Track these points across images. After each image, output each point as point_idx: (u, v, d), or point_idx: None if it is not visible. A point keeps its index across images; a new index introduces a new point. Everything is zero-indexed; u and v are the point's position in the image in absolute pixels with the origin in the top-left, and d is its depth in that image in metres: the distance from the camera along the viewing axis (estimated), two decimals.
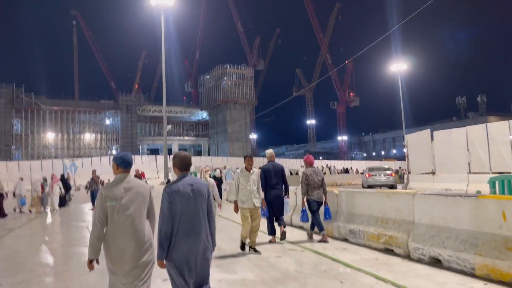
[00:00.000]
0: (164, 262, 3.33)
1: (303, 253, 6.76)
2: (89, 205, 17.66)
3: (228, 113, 75.24)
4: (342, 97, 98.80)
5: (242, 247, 7.01)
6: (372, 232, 6.36)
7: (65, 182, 18.47)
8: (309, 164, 7.99)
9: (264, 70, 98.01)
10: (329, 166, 47.53)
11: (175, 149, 75.31)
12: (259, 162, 51.15)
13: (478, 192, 11.60)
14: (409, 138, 20.56)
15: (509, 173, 12.92)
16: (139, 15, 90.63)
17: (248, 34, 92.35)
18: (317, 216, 7.58)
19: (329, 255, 6.37)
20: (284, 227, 7.44)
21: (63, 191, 17.26)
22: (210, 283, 3.48)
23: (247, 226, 6.79)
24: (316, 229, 7.69)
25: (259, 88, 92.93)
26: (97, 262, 3.38)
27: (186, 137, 79.57)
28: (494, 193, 10.28)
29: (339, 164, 57.72)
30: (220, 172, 22.92)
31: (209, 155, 76.57)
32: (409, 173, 20.45)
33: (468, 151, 16.26)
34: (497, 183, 10.47)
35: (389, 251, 6.17)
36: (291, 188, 9.91)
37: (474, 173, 16.18)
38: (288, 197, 7.66)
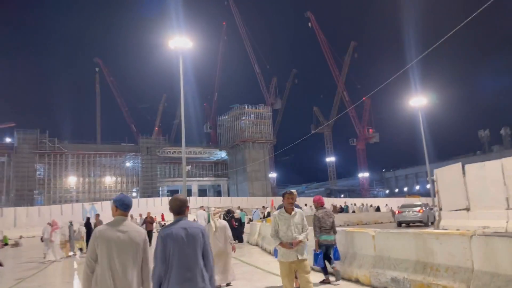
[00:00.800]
0: None
1: None
2: None
3: (247, 152, 75.06)
4: (361, 133, 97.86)
5: None
6: (420, 280, 5.48)
7: (89, 226, 17.72)
8: (320, 205, 7.62)
9: (281, 109, 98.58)
10: (363, 203, 45.54)
11: (194, 189, 74.93)
12: (279, 203, 50.04)
13: None
14: (438, 173, 19.54)
15: None
16: (159, 60, 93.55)
17: (265, 75, 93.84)
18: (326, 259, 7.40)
19: None
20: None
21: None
22: None
23: (289, 287, 5.40)
24: (331, 268, 7.40)
25: (277, 127, 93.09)
26: None
27: (205, 178, 79.36)
28: None
29: (359, 202, 56.02)
30: (239, 209, 22.28)
31: (228, 195, 75.81)
32: (440, 209, 19.29)
33: (505, 185, 15.19)
34: None
35: None
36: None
37: None
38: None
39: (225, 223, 7.73)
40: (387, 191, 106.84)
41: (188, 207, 3.58)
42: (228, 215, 18.31)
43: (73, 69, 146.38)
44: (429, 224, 22.49)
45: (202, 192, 77.95)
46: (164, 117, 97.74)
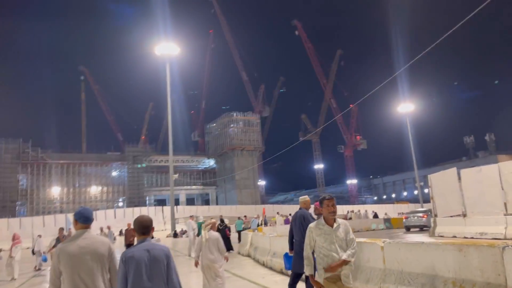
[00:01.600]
0: None
1: None
2: None
3: (236, 160, 74.36)
4: (349, 140, 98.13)
5: None
6: None
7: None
8: (319, 213, 6.60)
9: (269, 117, 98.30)
10: (359, 210, 44.65)
11: (182, 198, 73.83)
12: (269, 211, 49.38)
13: None
14: (432, 178, 19.20)
15: None
16: (146, 68, 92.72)
17: (252, 82, 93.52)
18: None
19: None
20: None
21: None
22: None
23: None
24: None
25: (266, 135, 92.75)
26: None
27: (193, 187, 78.32)
28: None
29: (349, 209, 55.65)
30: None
31: (217, 204, 74.86)
32: (435, 216, 18.91)
33: (502, 189, 14.86)
34: None
35: None
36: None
37: None
38: None
39: (217, 234, 7.24)
40: (375, 198, 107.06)
41: (153, 228, 3.45)
42: (222, 224, 17.64)
43: (58, 77, 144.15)
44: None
45: (190, 201, 76.82)
46: (151, 125, 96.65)
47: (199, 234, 16.44)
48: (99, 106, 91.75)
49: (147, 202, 71.32)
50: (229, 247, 16.53)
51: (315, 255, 4.25)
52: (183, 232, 32.53)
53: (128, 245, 14.67)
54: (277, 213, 32.59)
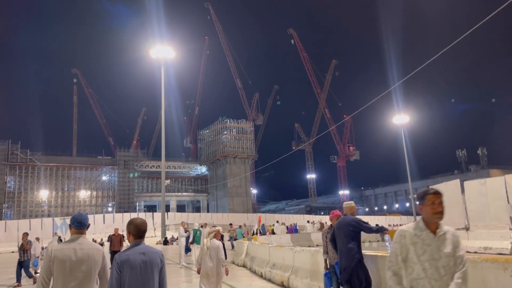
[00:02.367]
0: None
1: None
2: None
3: (228, 167, 73.62)
4: (342, 151, 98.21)
5: None
6: None
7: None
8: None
9: (263, 125, 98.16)
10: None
11: (173, 205, 72.78)
12: (263, 219, 48.57)
13: None
14: None
15: None
16: (140, 73, 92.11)
17: (247, 90, 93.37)
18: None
19: None
20: None
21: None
22: None
23: None
24: None
25: (259, 143, 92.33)
26: None
27: (184, 193, 77.27)
28: None
29: None
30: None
31: (208, 211, 73.87)
32: None
33: (508, 203, 14.45)
34: None
35: None
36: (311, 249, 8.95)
37: None
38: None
39: (219, 243, 6.85)
40: (367, 209, 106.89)
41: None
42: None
43: (50, 79, 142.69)
44: None
45: (181, 208, 75.79)
46: (143, 131, 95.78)
47: (193, 241, 15.78)
48: (91, 109, 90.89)
49: (137, 207, 70.14)
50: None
51: (404, 271, 2.78)
52: (174, 240, 31.68)
53: (114, 251, 13.58)
54: (277, 221, 31.65)
